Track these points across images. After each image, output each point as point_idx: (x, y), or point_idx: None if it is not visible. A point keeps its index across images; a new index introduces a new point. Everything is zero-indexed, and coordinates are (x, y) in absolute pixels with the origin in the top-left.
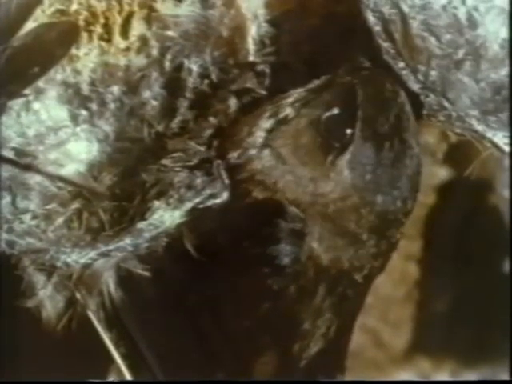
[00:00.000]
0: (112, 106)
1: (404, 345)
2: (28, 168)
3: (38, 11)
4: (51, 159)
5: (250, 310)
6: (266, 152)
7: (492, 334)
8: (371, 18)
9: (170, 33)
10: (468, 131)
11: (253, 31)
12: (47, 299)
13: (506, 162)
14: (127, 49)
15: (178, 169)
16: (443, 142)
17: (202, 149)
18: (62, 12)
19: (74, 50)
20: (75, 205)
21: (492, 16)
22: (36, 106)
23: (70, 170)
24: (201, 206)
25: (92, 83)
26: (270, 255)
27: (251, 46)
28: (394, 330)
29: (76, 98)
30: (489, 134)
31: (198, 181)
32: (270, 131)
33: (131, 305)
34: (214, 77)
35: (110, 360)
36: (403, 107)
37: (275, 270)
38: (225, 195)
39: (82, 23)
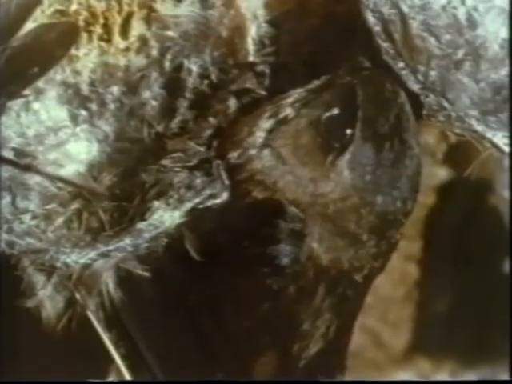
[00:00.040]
0: (112, 106)
1: (404, 345)
2: (28, 168)
3: (37, 11)
4: (51, 159)
5: (249, 310)
6: (266, 152)
7: (492, 334)
8: (371, 19)
9: (169, 33)
10: (468, 131)
11: (252, 31)
12: (47, 299)
13: (506, 162)
14: (127, 49)
15: (177, 169)
16: (443, 143)
17: (202, 149)
18: (61, 12)
19: (73, 51)
20: (75, 205)
21: (492, 16)
22: (36, 106)
23: (69, 170)
24: (200, 206)
25: (92, 83)
26: (270, 255)
27: (251, 46)
28: (393, 330)
29: (76, 98)
30: (488, 135)
31: (198, 181)
32: (269, 131)
33: (131, 305)
34: (213, 77)
35: (110, 360)
36: (403, 107)
37: (275, 271)
38: (224, 195)
39: (81, 23)
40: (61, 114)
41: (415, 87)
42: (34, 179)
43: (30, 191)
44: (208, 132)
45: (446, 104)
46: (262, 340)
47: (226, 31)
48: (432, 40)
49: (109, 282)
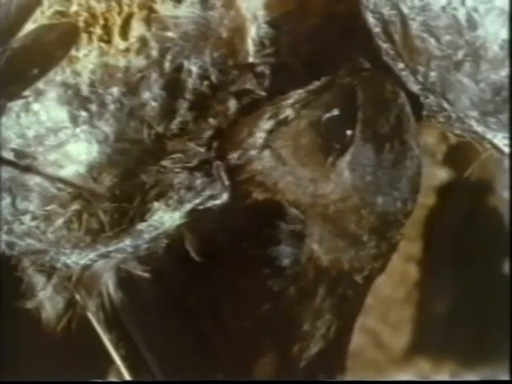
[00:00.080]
0: (112, 107)
1: (404, 346)
2: (28, 169)
3: (37, 12)
4: (51, 160)
5: (249, 311)
6: (266, 153)
7: (492, 335)
8: (371, 19)
9: (169, 34)
10: (468, 132)
11: (252, 32)
12: (47, 300)
13: (506, 163)
14: (127, 50)
15: (177, 170)
16: (443, 143)
17: (202, 150)
18: (61, 13)
19: (73, 52)
20: (75, 206)
21: (492, 17)
22: (36, 107)
23: (69, 171)
24: (200, 207)
25: (92, 84)
26: (270, 256)
27: (251, 47)
28: (393, 330)
29: (76, 99)
30: (488, 135)
31: (198, 182)
32: (270, 132)
33: (131, 306)
34: (213, 78)
35: (110, 361)
36: (403, 108)
37: (275, 272)
38: (225, 196)
39: (81, 24)
40: (61, 114)
41: (415, 88)
42: (33, 180)
43: (29, 192)
44: (208, 133)
45: (445, 105)
46: (263, 341)
47: (226, 32)
48: (432, 41)
49: (109, 282)
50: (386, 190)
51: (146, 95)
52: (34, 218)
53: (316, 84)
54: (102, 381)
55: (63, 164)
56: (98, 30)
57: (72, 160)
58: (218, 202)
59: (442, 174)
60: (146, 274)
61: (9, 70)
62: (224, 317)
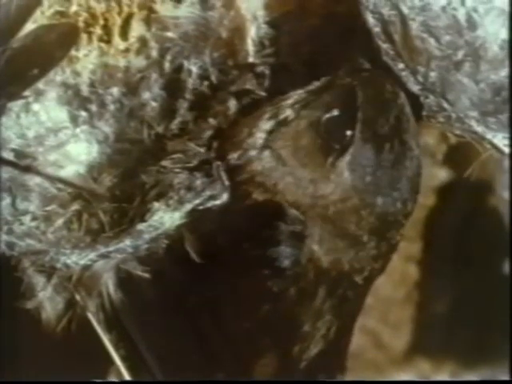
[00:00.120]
0: (112, 107)
1: (404, 346)
2: (28, 169)
3: (37, 13)
4: (51, 160)
5: (250, 312)
6: (266, 153)
7: (492, 335)
8: (371, 20)
9: (169, 34)
10: (468, 132)
11: (252, 32)
12: (47, 301)
13: (506, 163)
14: (127, 50)
15: (177, 170)
16: (443, 144)
17: (202, 150)
18: (61, 13)
19: (73, 52)
20: (75, 206)
21: (491, 17)
22: (36, 107)
23: (69, 171)
24: (201, 207)
25: (92, 84)
26: (270, 257)
27: (251, 47)
28: (393, 331)
29: (76, 99)
30: (488, 136)
31: (198, 182)
32: (269, 132)
33: (131, 306)
34: (213, 78)
35: (110, 362)
36: (403, 108)
37: (275, 272)
38: (225, 196)
39: (81, 25)
40: (61, 115)
41: (415, 88)
42: (33, 180)
43: (29, 192)
44: (208, 133)
45: (445, 105)
46: (263, 342)
47: (225, 32)
48: (432, 41)
49: (109, 283)
50: (385, 190)
51: (145, 95)
52: (34, 219)
53: (316, 84)
54: (101, 381)
55: (63, 164)
56: (97, 30)
57: (72, 160)
58: (218, 202)
59: (441, 175)
60: (146, 275)
61: (9, 70)
62: (224, 317)
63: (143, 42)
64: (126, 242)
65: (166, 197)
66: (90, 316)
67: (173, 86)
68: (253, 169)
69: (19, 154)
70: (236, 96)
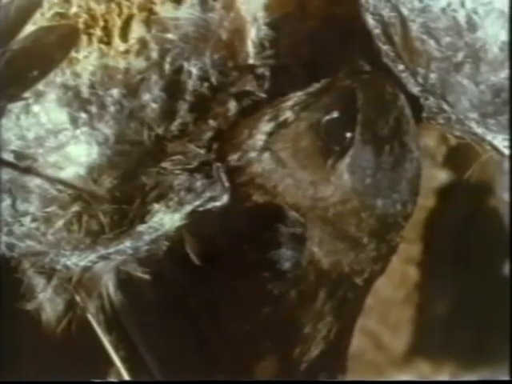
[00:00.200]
0: (112, 108)
1: (404, 347)
2: (28, 171)
3: (37, 14)
4: (51, 162)
5: (250, 314)
6: (266, 155)
7: (492, 336)
8: (371, 21)
9: (169, 35)
10: (468, 134)
11: (252, 34)
12: (47, 302)
13: (506, 164)
14: (127, 51)
15: (177, 172)
16: (443, 145)
17: (202, 151)
18: (61, 15)
19: (73, 53)
20: (75, 208)
21: (491, 19)
22: (36, 108)
23: (69, 172)
24: (201, 208)
25: (92, 86)
26: (271, 259)
27: (251, 48)
28: (393, 332)
29: (76, 100)
30: (488, 137)
31: (198, 184)
32: (269, 134)
33: (131, 308)
34: (213, 80)
35: (110, 363)
36: (403, 110)
37: (276, 275)
38: (225, 198)
39: (81, 26)
40: (61, 116)
41: (415, 90)
42: (34, 182)
43: (30, 194)
44: (208, 134)
45: (445, 106)
46: (263, 344)
47: (225, 34)
48: (432, 42)
49: (109, 284)
50: (385, 192)
51: (145, 97)
52: (34, 220)
53: (316, 86)
54: (102, 381)
55: (63, 166)
56: (97, 32)
57: (72, 162)
58: (218, 203)
59: (441, 176)
60: (146, 276)
61: (9, 71)
62: (224, 320)
63: (143, 43)
64: (126, 244)
65: (166, 198)
66: (90, 317)
67: (173, 87)
68: (253, 171)
69: (19, 155)
70: (236, 97)
